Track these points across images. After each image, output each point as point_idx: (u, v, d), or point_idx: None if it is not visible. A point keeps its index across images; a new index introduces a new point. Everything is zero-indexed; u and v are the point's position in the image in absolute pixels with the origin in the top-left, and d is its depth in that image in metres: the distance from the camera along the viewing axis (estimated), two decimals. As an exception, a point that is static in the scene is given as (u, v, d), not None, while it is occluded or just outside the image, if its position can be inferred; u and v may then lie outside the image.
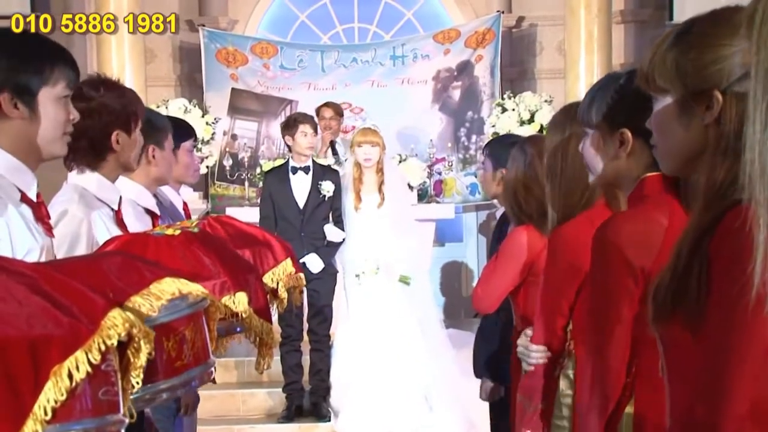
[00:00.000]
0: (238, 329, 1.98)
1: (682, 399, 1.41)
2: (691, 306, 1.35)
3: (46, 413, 1.15)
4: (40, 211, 1.96)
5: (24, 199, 1.92)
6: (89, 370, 1.18)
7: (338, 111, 6.93)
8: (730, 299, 1.30)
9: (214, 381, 1.70)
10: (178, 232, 1.94)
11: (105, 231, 2.36)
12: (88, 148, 2.44)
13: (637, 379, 1.89)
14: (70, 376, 1.17)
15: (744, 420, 1.31)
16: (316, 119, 6.98)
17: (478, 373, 3.78)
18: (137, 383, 1.29)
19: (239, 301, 1.91)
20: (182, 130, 3.69)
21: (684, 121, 1.46)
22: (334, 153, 6.85)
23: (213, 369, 1.62)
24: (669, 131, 1.50)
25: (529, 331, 2.50)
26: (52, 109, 1.94)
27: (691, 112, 1.44)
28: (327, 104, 6.96)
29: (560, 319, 2.40)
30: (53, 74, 1.94)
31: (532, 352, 2.44)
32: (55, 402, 1.16)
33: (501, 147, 3.69)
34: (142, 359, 1.26)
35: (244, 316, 1.93)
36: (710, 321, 1.33)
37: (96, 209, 2.41)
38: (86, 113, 2.40)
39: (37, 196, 1.97)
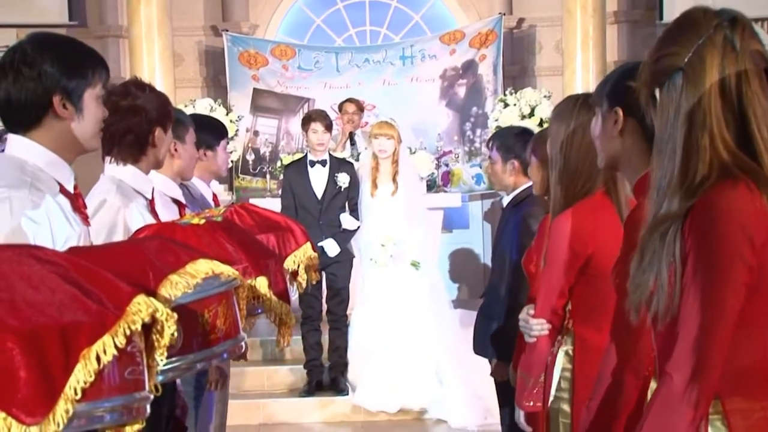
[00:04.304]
0: (259, 310, 1.98)
1: (664, 368, 1.46)
2: (665, 289, 1.40)
3: (76, 393, 1.15)
4: (77, 201, 1.98)
5: (62, 191, 1.94)
6: (115, 353, 1.18)
7: (360, 106, 6.97)
8: (702, 280, 1.37)
9: (245, 358, 1.70)
10: (203, 221, 1.94)
11: (140, 219, 2.39)
12: (134, 143, 2.48)
13: None
14: (98, 359, 1.17)
15: (717, 385, 1.39)
16: (338, 113, 6.99)
17: (477, 350, 3.74)
18: (161, 360, 1.28)
19: (260, 285, 1.91)
20: (219, 130, 3.74)
21: (652, 115, 1.53)
22: (352, 144, 6.84)
23: (243, 344, 1.63)
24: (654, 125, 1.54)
25: (531, 311, 2.48)
26: (94, 108, 1.97)
27: (650, 108, 1.52)
28: (350, 100, 6.97)
29: (561, 298, 2.39)
30: (94, 77, 1.96)
31: (534, 325, 2.42)
32: (85, 383, 1.16)
33: (510, 139, 3.61)
34: (165, 339, 1.26)
35: (264, 298, 1.92)
36: (684, 299, 1.39)
37: (132, 199, 2.44)
38: (132, 111, 2.45)
39: (75, 187, 1.98)
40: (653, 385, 1.88)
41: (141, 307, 1.21)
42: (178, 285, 1.41)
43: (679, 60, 1.43)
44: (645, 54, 1.54)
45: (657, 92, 1.46)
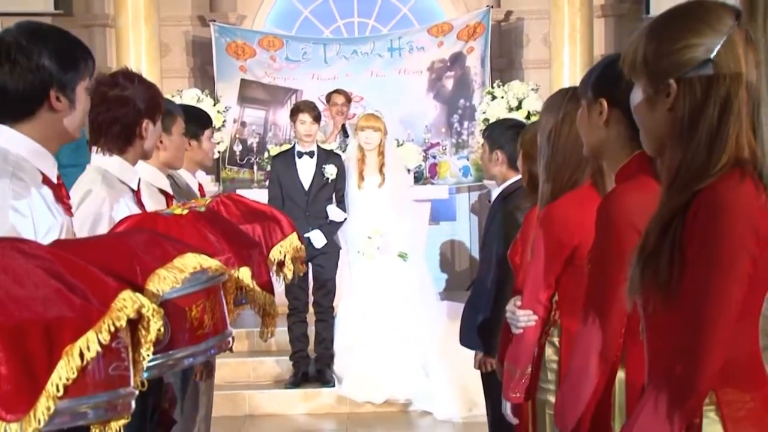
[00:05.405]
0: (243, 301, 1.96)
1: (661, 358, 1.45)
2: (663, 278, 1.39)
3: (58, 390, 1.14)
4: (59, 192, 1.96)
5: (45, 181, 1.91)
6: (99, 349, 1.16)
7: (348, 97, 6.98)
8: (707, 270, 1.35)
9: (231, 350, 1.69)
10: (186, 211, 1.92)
11: (126, 210, 2.37)
12: (120, 134, 2.46)
13: (627, 342, 1.87)
14: (82, 355, 1.15)
15: (716, 376, 1.39)
16: (326, 105, 6.96)
17: (464, 342, 3.74)
18: (148, 356, 1.26)
19: (243, 275, 1.90)
20: (204, 120, 3.72)
21: (650, 106, 1.49)
22: (346, 136, 6.82)
23: (230, 339, 1.61)
24: (640, 115, 1.52)
25: (518, 302, 2.48)
26: (84, 100, 1.97)
27: (654, 98, 1.47)
28: (338, 91, 6.95)
29: (547, 290, 2.39)
30: (85, 69, 1.96)
31: (521, 316, 2.42)
32: (67, 380, 1.15)
33: (499, 130, 3.63)
34: (152, 335, 1.24)
35: (247, 288, 1.91)
36: (687, 289, 1.37)
37: (118, 189, 2.41)
38: (121, 101, 2.42)
39: (57, 177, 1.95)
40: (621, 374, 1.90)
41: (126, 303, 1.19)
42: (166, 280, 1.39)
43: (707, 51, 1.41)
44: (638, 44, 1.50)
45: (672, 82, 1.44)
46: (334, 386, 5.74)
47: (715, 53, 1.40)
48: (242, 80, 8.17)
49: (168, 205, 2.81)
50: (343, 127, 6.86)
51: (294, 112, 5.79)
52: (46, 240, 1.69)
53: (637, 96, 1.52)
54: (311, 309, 5.83)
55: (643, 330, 1.52)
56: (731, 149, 1.38)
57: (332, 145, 6.59)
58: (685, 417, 1.39)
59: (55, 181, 1.94)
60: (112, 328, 1.17)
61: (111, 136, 2.46)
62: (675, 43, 1.44)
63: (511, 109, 7.54)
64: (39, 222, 1.83)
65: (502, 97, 7.63)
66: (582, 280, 2.30)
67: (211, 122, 3.82)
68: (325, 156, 5.81)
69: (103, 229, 2.28)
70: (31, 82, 1.87)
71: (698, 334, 1.37)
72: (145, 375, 1.35)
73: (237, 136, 8.10)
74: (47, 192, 1.90)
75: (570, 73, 7.37)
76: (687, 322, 1.38)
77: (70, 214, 2.00)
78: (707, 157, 1.39)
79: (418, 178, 7.44)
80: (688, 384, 1.38)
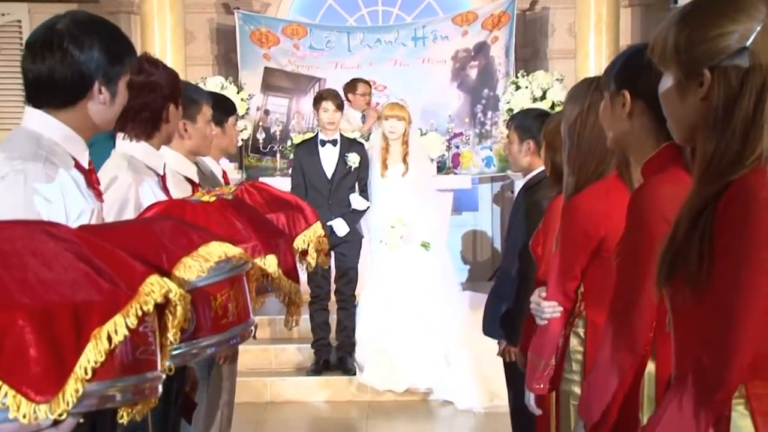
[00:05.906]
0: (269, 289, 1.97)
1: (688, 351, 1.43)
2: (693, 269, 1.37)
3: (86, 373, 1.14)
4: (90, 177, 1.97)
5: (77, 166, 1.93)
6: (127, 333, 1.16)
7: (370, 85, 6.99)
8: (737, 262, 1.33)
9: (254, 337, 1.70)
10: (213, 198, 1.93)
11: (152, 195, 2.38)
12: (149, 119, 2.49)
13: (657, 335, 1.85)
14: (110, 339, 1.16)
15: (747, 370, 1.36)
16: (348, 95, 6.95)
17: (486, 331, 3.74)
18: (175, 340, 1.27)
19: (269, 263, 1.90)
20: (229, 107, 3.74)
21: (681, 95, 1.46)
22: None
23: (253, 328, 1.62)
24: (670, 104, 1.49)
25: (543, 293, 2.46)
26: (124, 93, 1.99)
27: (686, 87, 1.44)
28: (361, 80, 6.93)
29: (572, 281, 2.38)
30: (129, 64, 1.99)
31: (545, 308, 2.41)
32: (95, 363, 1.15)
33: (527, 119, 3.62)
34: (179, 319, 1.24)
35: (273, 277, 1.91)
36: (716, 281, 1.36)
37: (143, 175, 2.43)
38: (148, 87, 2.45)
39: (89, 163, 1.97)
40: (650, 366, 1.88)
41: (154, 288, 1.19)
42: (191, 268, 1.40)
43: (742, 39, 1.38)
44: (669, 32, 1.48)
45: (706, 71, 1.41)
46: (355, 374, 5.76)
47: (751, 41, 1.37)
48: (266, 68, 8.18)
49: (194, 193, 2.82)
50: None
51: (317, 101, 5.80)
52: (76, 224, 1.71)
53: (666, 85, 1.49)
54: (333, 297, 5.85)
55: (670, 322, 1.51)
56: (766, 140, 1.36)
57: (355, 134, 6.58)
58: (713, 411, 1.38)
59: (86, 166, 1.96)
60: (140, 312, 1.18)
61: (139, 122, 2.48)
62: (709, 31, 1.40)
63: (535, 100, 7.50)
64: (70, 206, 1.85)
65: (527, 87, 7.59)
66: (608, 272, 2.28)
67: (235, 109, 3.84)
68: (348, 144, 5.81)
69: (129, 215, 2.29)
70: (80, 72, 1.89)
71: (728, 327, 1.35)
72: (168, 363, 1.35)
73: (260, 123, 8.11)
74: (79, 177, 1.92)
75: (595, 63, 7.31)
76: (716, 314, 1.36)
77: (101, 200, 2.01)
78: (741, 148, 1.36)
79: (441, 168, 7.42)
80: (718, 377, 1.36)
